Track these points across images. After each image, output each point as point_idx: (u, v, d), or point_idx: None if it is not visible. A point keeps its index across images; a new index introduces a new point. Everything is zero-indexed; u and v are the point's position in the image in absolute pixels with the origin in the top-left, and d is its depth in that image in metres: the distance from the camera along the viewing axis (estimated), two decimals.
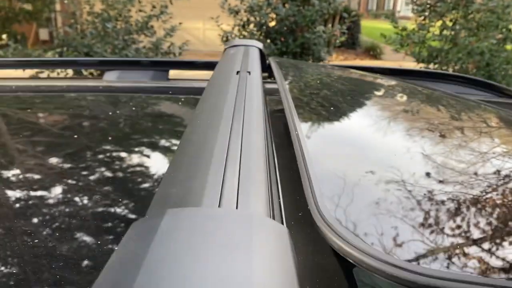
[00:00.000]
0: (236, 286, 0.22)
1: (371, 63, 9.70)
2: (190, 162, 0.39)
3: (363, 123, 0.69)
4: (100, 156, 0.78)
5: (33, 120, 0.99)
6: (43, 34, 10.32)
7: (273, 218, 0.33)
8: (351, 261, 0.31)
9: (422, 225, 0.36)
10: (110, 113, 1.03)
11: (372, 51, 10.64)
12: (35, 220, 0.57)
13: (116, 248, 0.28)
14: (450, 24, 4.97)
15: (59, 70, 3.08)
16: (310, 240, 0.43)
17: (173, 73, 1.48)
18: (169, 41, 4.84)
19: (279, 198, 0.50)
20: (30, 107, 1.08)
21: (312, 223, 0.35)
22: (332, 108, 0.77)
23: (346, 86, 1.04)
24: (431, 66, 5.15)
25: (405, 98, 0.99)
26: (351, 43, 10.66)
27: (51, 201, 0.62)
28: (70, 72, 3.40)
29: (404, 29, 5.26)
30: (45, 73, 2.63)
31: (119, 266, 0.24)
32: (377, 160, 0.52)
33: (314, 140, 0.55)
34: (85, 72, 3.59)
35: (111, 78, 1.31)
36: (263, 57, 1.18)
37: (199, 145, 0.43)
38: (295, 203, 0.50)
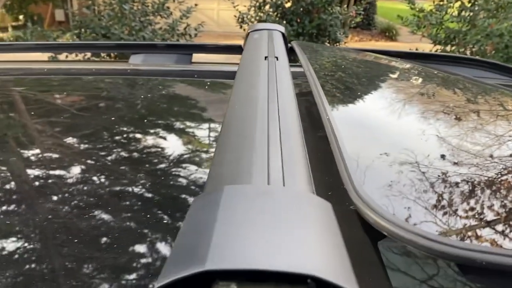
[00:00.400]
0: (295, 251, 0.26)
1: (387, 45, 9.60)
2: (235, 144, 0.43)
3: (389, 105, 0.73)
4: (141, 137, 0.84)
5: (70, 103, 1.04)
6: (59, 15, 10.40)
7: (315, 192, 0.37)
8: (385, 233, 0.35)
9: (449, 200, 0.39)
10: (143, 96, 1.08)
11: (388, 32, 10.52)
12: (101, 196, 0.62)
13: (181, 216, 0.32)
14: (468, 5, 4.90)
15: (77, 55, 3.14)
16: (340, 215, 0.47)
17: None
18: (185, 22, 4.86)
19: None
20: (65, 89, 1.13)
21: (346, 199, 0.39)
22: (358, 91, 0.80)
23: (371, 70, 1.07)
24: (448, 48, 5.10)
25: (429, 82, 1.01)
26: (366, 24, 10.55)
27: (97, 181, 0.67)
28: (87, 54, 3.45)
29: (421, 10, 5.20)
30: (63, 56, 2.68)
31: (194, 231, 0.28)
32: (405, 140, 0.56)
33: (344, 122, 0.59)
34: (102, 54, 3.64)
35: (137, 61, 1.35)
36: (285, 40, 1.21)
37: (241, 128, 0.46)
38: (323, 180, 0.54)
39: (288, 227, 0.28)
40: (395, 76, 1.04)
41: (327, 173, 0.56)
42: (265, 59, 0.81)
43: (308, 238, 0.28)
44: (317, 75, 0.78)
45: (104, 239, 0.52)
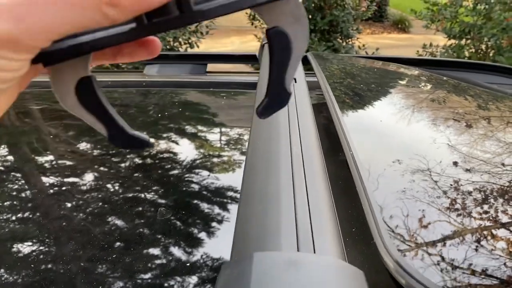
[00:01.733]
0: None
1: (399, 38, 9.49)
2: (260, 196, 0.42)
3: (424, 134, 0.70)
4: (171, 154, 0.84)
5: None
6: None
7: (346, 258, 0.36)
8: None
9: (488, 263, 0.38)
10: (163, 109, 1.08)
11: (401, 24, 10.38)
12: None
13: None
14: None
15: None
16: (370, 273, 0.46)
17: None
18: None
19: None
20: None
21: (379, 259, 0.38)
22: (383, 115, 0.79)
23: (392, 85, 1.05)
24: (463, 42, 5.02)
25: (458, 99, 0.99)
26: (378, 16, 10.42)
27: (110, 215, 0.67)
28: None
29: (435, 4, 5.12)
30: None
31: None
32: (442, 184, 0.54)
33: (371, 160, 0.57)
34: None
35: (152, 72, 1.35)
36: None
37: (265, 176, 0.46)
38: (350, 222, 0.53)
39: None
40: (422, 94, 1.02)
41: (354, 221, 0.55)
42: None
43: None
44: (337, 99, 0.77)
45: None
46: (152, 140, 0.93)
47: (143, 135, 0.29)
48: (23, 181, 0.77)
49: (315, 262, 0.33)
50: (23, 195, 0.72)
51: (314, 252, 0.34)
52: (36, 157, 0.86)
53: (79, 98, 0.27)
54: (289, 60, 0.28)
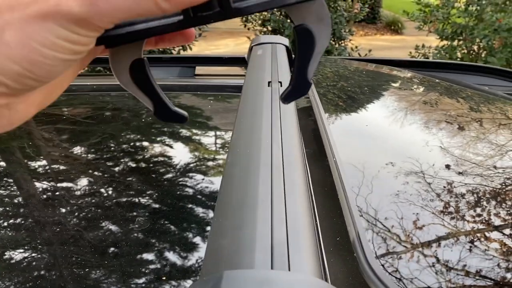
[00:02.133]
0: None
1: (393, 39, 9.51)
2: (235, 209, 0.40)
3: (413, 137, 0.68)
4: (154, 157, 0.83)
5: (71, 120, 1.02)
6: None
7: (324, 275, 0.34)
8: None
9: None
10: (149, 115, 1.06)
11: (393, 26, 10.41)
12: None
13: None
14: None
15: None
16: None
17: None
18: None
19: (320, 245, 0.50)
20: (66, 107, 1.11)
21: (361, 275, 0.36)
22: (374, 121, 0.77)
23: (383, 91, 1.04)
24: (455, 43, 5.03)
25: (450, 101, 0.97)
26: (371, 18, 10.44)
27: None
28: None
29: (428, 5, 5.13)
30: None
31: None
32: (430, 194, 0.52)
33: (355, 166, 0.56)
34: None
35: None
36: (289, 53, 1.18)
37: (242, 187, 0.44)
38: (333, 239, 0.51)
39: None
40: (413, 96, 1.01)
41: (339, 230, 0.53)
42: (269, 85, 0.78)
43: None
44: (324, 103, 0.75)
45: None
46: (145, 143, 0.93)
47: (183, 111, 0.34)
48: (15, 186, 0.77)
49: (288, 281, 0.31)
50: (15, 200, 0.72)
51: (289, 270, 0.32)
52: (29, 162, 0.85)
53: (132, 76, 0.31)
54: (312, 54, 0.31)
